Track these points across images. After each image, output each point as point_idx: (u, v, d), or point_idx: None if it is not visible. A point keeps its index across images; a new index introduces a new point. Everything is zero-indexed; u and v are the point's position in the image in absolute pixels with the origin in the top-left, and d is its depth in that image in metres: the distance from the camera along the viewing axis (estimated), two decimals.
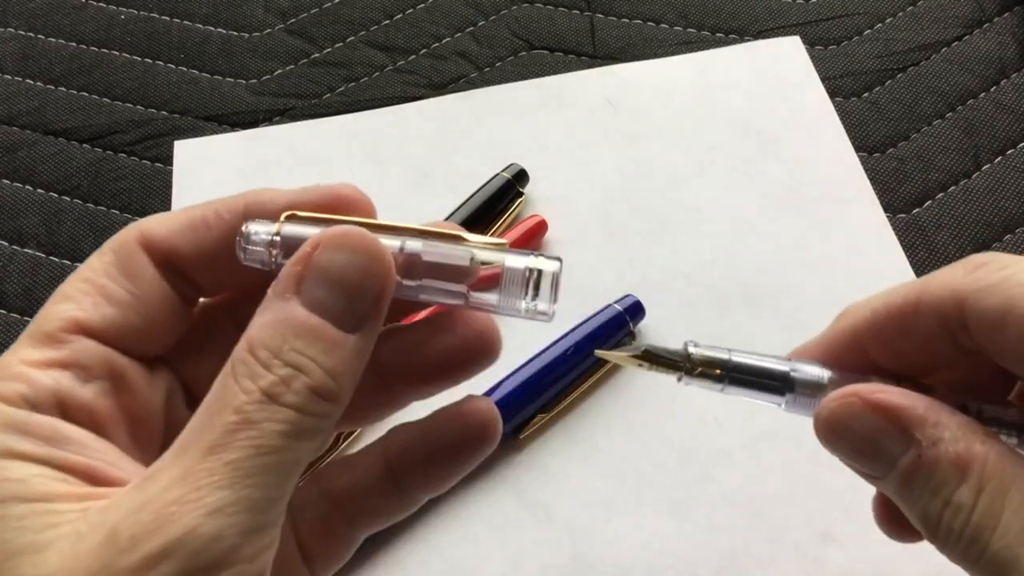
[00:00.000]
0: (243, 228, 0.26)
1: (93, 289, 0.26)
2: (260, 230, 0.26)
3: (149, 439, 0.27)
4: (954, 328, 0.27)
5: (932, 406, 0.26)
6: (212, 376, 0.25)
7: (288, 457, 0.23)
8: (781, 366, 0.28)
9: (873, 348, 0.28)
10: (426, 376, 0.28)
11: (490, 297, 0.26)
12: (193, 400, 0.29)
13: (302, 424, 0.23)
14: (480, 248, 0.26)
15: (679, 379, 0.28)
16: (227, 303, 0.29)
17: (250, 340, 0.24)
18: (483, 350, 0.27)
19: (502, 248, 0.26)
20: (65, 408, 0.25)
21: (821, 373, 0.28)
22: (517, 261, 0.26)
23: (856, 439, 0.26)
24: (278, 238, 0.26)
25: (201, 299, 0.29)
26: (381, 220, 0.28)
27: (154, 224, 0.27)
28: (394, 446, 0.28)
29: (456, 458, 0.28)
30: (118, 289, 0.26)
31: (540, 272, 0.26)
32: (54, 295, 0.26)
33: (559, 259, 0.27)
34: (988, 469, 0.25)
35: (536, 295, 0.26)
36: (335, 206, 0.28)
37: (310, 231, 0.26)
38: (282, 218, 0.26)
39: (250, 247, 0.26)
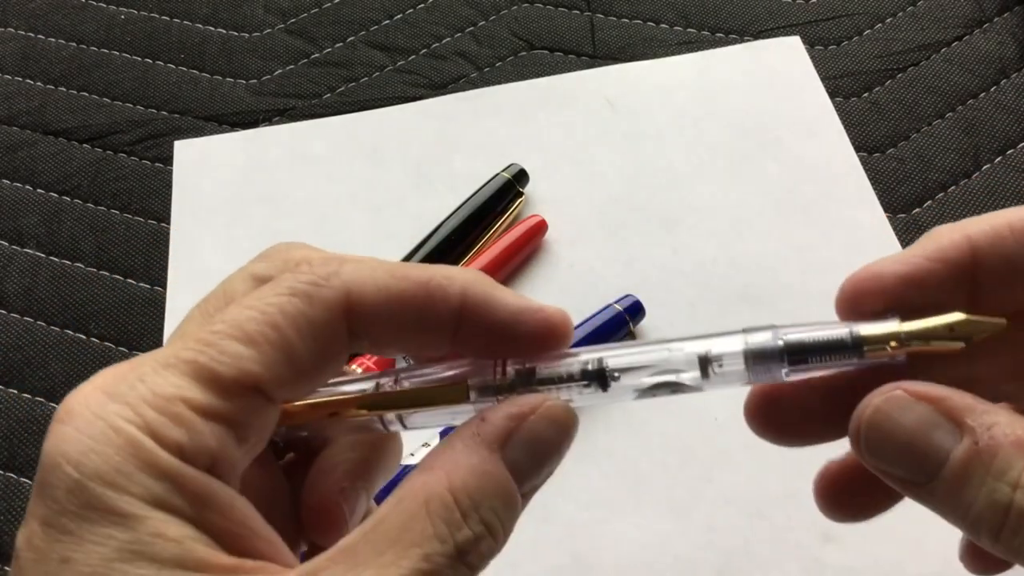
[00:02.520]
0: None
1: (280, 343, 0.23)
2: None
3: (280, 506, 0.26)
4: None
5: (976, 396, 0.25)
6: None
7: None
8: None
9: (989, 266, 0.26)
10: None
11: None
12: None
13: None
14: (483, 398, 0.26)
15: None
16: None
17: (453, 481, 0.23)
18: None
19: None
20: (215, 464, 0.23)
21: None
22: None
23: (905, 434, 0.24)
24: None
25: None
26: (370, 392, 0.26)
27: (363, 289, 0.24)
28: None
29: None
30: (305, 354, 0.24)
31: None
32: (230, 321, 0.23)
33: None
34: None
35: None
36: (548, 334, 0.26)
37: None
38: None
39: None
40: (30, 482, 0.46)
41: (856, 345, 0.25)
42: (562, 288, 0.49)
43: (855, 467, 0.28)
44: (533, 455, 0.24)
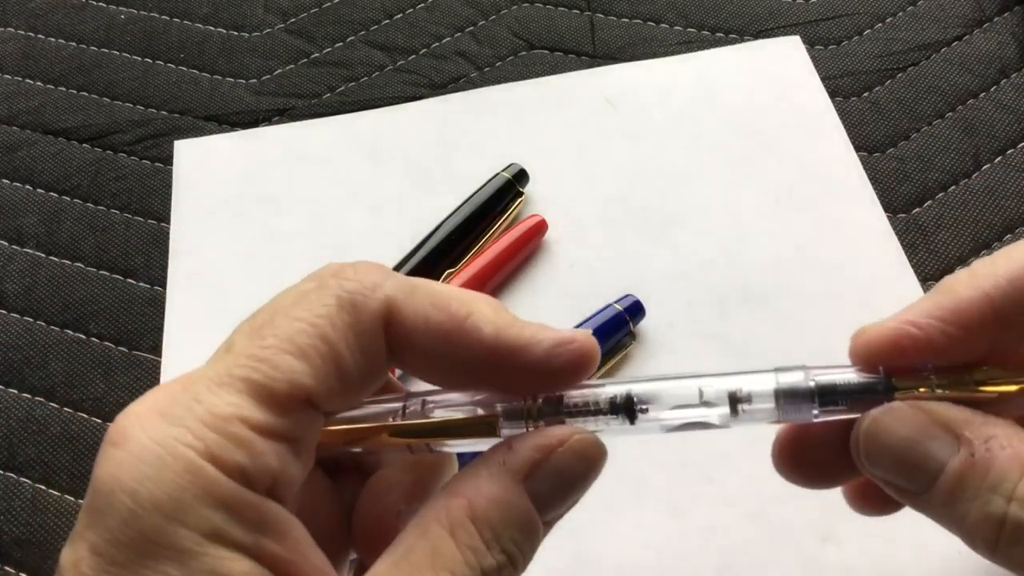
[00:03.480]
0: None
1: (330, 355, 0.23)
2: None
3: (319, 535, 0.25)
4: None
5: (973, 409, 0.25)
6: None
7: None
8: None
9: (1008, 315, 0.25)
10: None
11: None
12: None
13: None
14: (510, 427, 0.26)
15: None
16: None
17: (476, 510, 0.23)
18: None
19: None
20: (275, 484, 0.22)
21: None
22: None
23: (901, 444, 0.25)
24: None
25: None
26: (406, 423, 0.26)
27: (405, 307, 0.24)
28: None
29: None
30: (352, 367, 0.24)
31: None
32: (282, 335, 0.23)
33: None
34: None
35: None
36: (581, 364, 0.26)
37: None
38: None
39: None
40: (30, 482, 0.46)
41: (887, 390, 0.25)
42: (562, 288, 0.50)
43: (810, 434, 0.28)
44: (558, 487, 0.25)
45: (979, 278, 0.26)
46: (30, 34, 0.63)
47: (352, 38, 0.61)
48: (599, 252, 0.51)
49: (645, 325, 0.48)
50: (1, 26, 0.63)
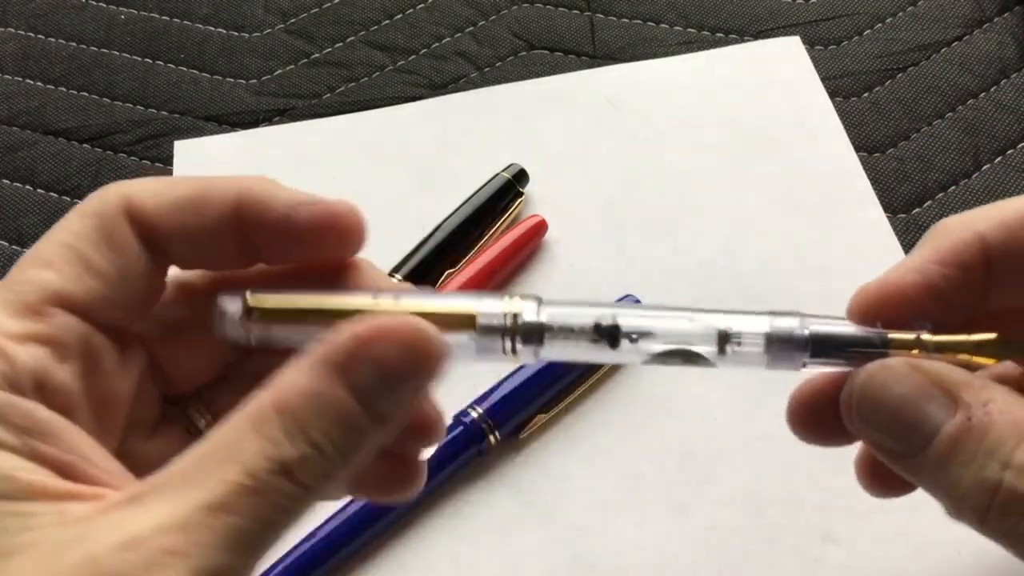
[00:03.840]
0: (218, 304, 0.26)
1: (75, 258, 0.25)
2: (233, 309, 0.26)
3: (114, 421, 0.26)
4: None
5: (975, 374, 0.24)
6: (189, 359, 0.25)
7: (282, 530, 0.22)
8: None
9: (1002, 263, 0.25)
10: None
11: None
12: (162, 379, 0.28)
13: (304, 503, 0.22)
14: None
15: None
16: (207, 285, 0.28)
17: (280, 401, 0.23)
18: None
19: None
20: (41, 389, 0.24)
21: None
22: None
23: (896, 402, 0.24)
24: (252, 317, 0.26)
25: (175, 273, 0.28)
26: (342, 295, 0.27)
27: (139, 193, 0.26)
28: None
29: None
30: (102, 261, 0.25)
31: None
32: (30, 256, 0.25)
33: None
34: None
35: None
36: (328, 225, 0.26)
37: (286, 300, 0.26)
38: (248, 294, 0.26)
39: (225, 323, 0.26)
40: None
41: (883, 345, 0.25)
42: (562, 288, 0.49)
43: (825, 392, 0.27)
44: (382, 380, 0.23)
45: (971, 220, 0.26)
46: (30, 34, 0.63)
47: (352, 38, 0.61)
48: (599, 252, 0.51)
49: None
50: (1, 26, 0.63)
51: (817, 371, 0.26)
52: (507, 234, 0.50)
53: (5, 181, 0.56)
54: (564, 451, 0.44)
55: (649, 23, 0.60)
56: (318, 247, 0.27)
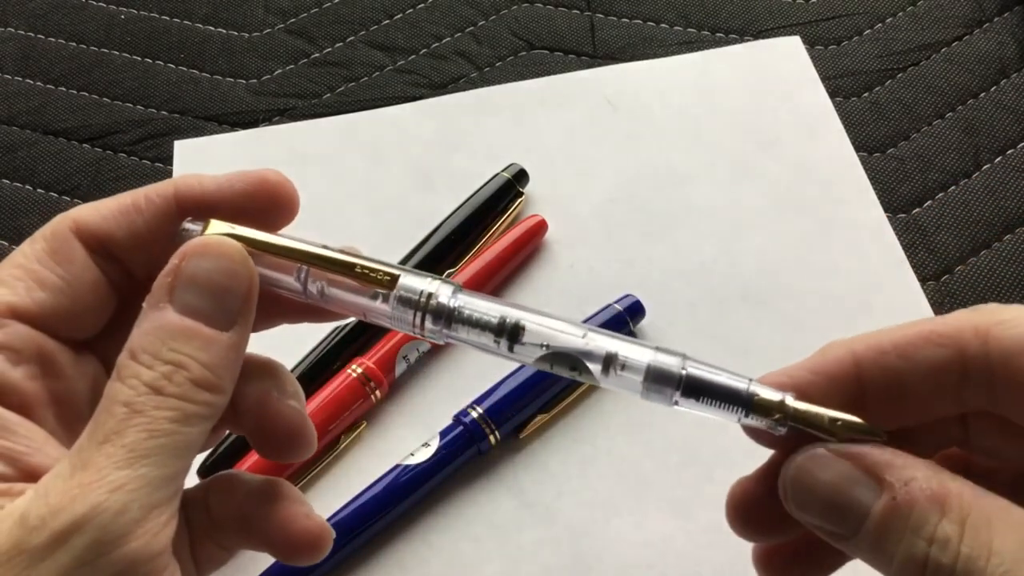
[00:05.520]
0: (183, 225, 0.28)
1: (25, 274, 0.28)
2: (194, 228, 0.28)
3: (75, 421, 0.28)
4: (971, 362, 0.26)
5: (895, 451, 0.25)
6: None
7: (178, 440, 0.25)
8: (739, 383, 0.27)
9: (872, 383, 0.27)
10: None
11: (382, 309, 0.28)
12: None
13: (187, 410, 0.25)
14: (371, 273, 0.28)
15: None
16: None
17: (131, 347, 0.25)
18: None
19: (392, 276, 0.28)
20: None
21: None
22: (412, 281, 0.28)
23: (826, 490, 0.26)
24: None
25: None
26: (289, 236, 0.29)
27: (86, 211, 0.29)
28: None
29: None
30: (50, 275, 0.28)
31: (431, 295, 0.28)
32: None
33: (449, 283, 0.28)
34: (965, 501, 0.24)
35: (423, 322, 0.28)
36: (260, 191, 0.30)
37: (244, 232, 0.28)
38: (213, 220, 0.29)
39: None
40: None
41: (746, 402, 0.27)
42: (562, 288, 0.50)
43: (763, 487, 0.29)
44: (202, 290, 0.26)
45: (852, 341, 0.27)
46: (30, 34, 0.63)
47: (352, 38, 0.61)
48: (599, 252, 0.51)
49: (645, 325, 0.48)
50: (1, 26, 0.63)
51: (691, 411, 0.27)
52: (507, 234, 0.50)
53: (5, 181, 0.56)
54: (564, 451, 0.44)
55: (649, 23, 0.60)
56: (256, 215, 0.30)
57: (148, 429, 0.24)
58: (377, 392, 0.45)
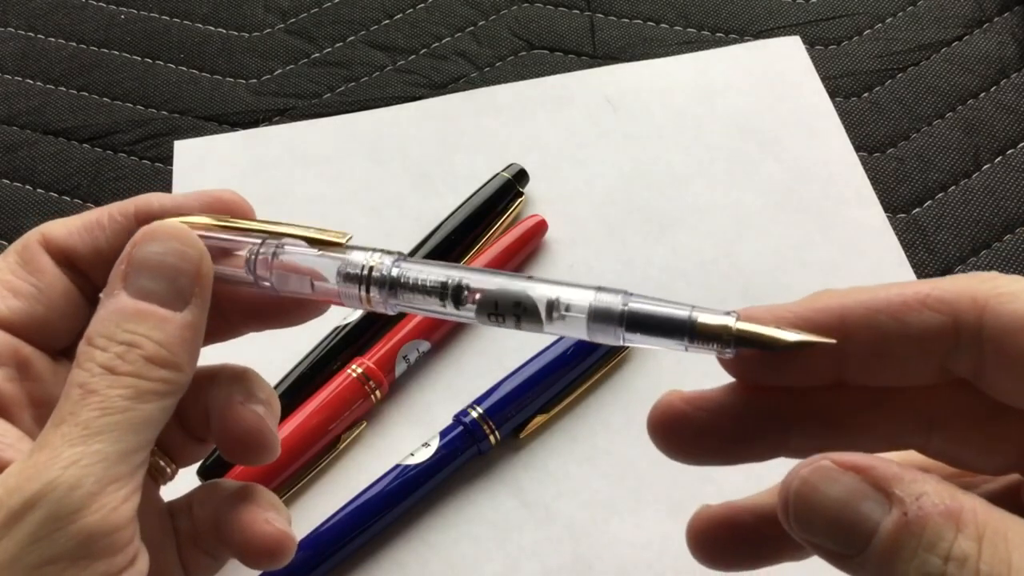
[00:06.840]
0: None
1: (0, 285, 0.29)
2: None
3: None
4: (964, 331, 0.25)
5: (902, 464, 0.24)
6: None
7: (133, 416, 0.25)
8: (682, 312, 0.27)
9: (858, 339, 0.26)
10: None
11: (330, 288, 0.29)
12: None
13: (141, 387, 0.26)
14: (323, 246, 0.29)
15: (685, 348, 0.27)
16: None
17: (88, 334, 0.27)
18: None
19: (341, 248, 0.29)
20: None
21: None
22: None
23: (832, 506, 0.24)
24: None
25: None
26: (260, 222, 0.31)
27: (54, 227, 0.30)
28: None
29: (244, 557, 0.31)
30: (23, 284, 0.29)
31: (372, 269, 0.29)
32: None
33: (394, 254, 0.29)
34: (980, 516, 0.23)
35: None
36: (216, 209, 0.31)
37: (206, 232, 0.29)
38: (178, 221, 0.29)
39: None
40: None
41: (689, 328, 0.26)
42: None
43: (728, 518, 0.30)
44: (154, 273, 0.27)
45: (845, 294, 0.27)
46: (30, 34, 0.63)
47: (352, 38, 0.61)
48: (599, 252, 0.51)
49: None
50: (1, 26, 0.63)
51: (640, 345, 0.28)
52: (507, 234, 0.50)
53: (5, 181, 0.56)
54: (564, 451, 0.44)
55: (649, 23, 0.60)
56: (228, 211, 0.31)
57: (101, 407, 0.25)
58: (377, 392, 0.45)
